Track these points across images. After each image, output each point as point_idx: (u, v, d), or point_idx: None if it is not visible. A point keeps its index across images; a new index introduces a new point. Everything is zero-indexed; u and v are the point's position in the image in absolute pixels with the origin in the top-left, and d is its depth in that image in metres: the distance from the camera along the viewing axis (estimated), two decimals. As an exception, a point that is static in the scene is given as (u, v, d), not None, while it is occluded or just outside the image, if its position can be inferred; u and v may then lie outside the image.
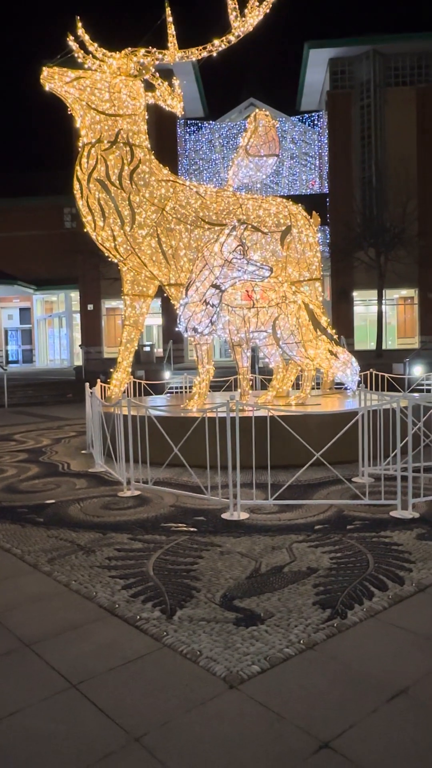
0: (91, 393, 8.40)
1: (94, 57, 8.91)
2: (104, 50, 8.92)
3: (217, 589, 3.79)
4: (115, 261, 9.60)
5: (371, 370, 10.27)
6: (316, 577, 3.92)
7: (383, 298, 26.14)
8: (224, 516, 5.35)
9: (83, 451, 8.86)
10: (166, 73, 10.64)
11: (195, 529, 5.03)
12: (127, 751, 2.35)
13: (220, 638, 3.17)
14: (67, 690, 2.78)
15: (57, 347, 35.01)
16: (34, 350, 35.39)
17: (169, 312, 25.08)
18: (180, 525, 5.17)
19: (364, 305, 29.40)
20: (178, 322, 8.11)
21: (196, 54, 8.95)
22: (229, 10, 8.68)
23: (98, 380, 9.41)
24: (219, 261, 7.48)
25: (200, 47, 8.91)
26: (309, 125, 30.72)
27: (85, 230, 9.25)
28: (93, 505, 5.89)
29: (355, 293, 28.64)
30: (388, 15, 55.91)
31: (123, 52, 8.94)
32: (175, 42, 8.90)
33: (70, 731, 2.49)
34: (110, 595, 3.75)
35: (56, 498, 6.20)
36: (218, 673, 2.85)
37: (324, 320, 8.84)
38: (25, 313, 35.60)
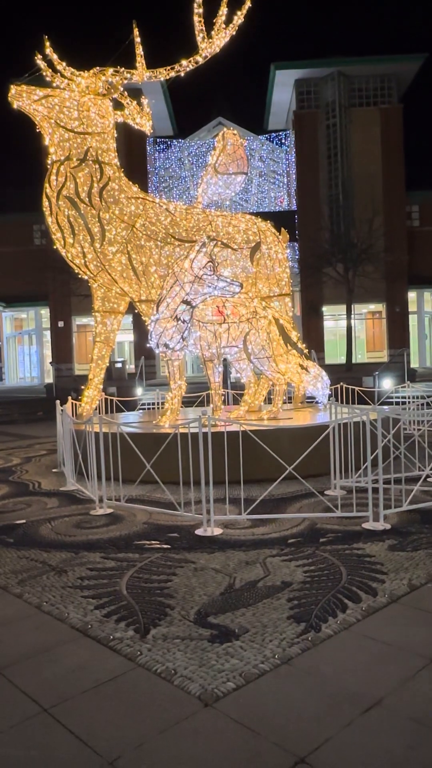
0: (62, 410, 8.31)
1: (62, 76, 8.95)
2: (72, 69, 8.96)
3: (192, 606, 3.76)
4: (86, 278, 9.57)
5: (341, 383, 10.39)
6: (290, 591, 3.93)
7: (352, 312, 26.55)
8: (198, 532, 5.33)
9: (54, 470, 8.74)
10: (135, 92, 10.75)
11: (168, 546, 4.99)
12: (101, 775, 2.31)
13: (195, 656, 3.14)
14: (39, 714, 2.72)
15: (27, 365, 34.58)
16: (3, 368, 34.89)
17: (140, 328, 25.03)
18: (153, 542, 5.13)
19: (333, 320, 29.83)
20: (149, 338, 8.10)
21: (164, 74, 9.06)
22: (197, 32, 8.82)
23: (69, 397, 9.32)
24: (189, 277, 7.52)
25: (168, 67, 9.02)
26: (276, 144, 31.28)
27: (55, 247, 9.21)
28: (65, 525, 5.80)
29: (324, 308, 29.05)
30: (352, 38, 57.54)
31: (91, 71, 8.99)
32: (144, 62, 8.99)
33: (42, 757, 2.43)
34: (83, 616, 3.69)
35: (27, 518, 6.09)
36: (193, 691, 2.82)
37: (294, 335, 8.94)
38: (-6, 331, 35.09)
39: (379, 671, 2.97)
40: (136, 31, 8.93)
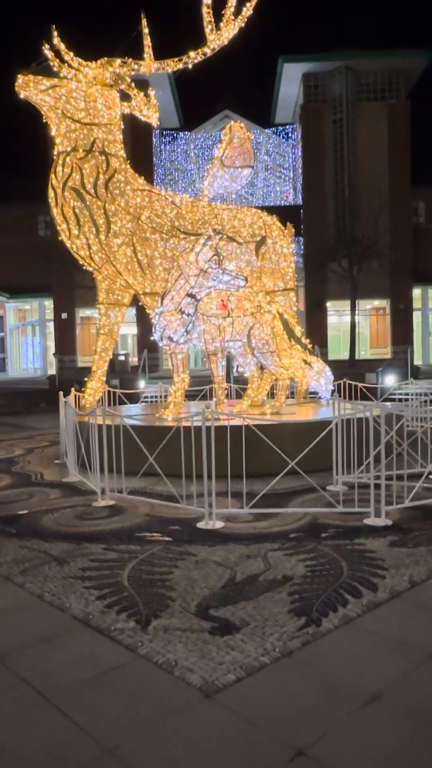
0: (65, 402, 8.32)
1: (69, 66, 8.91)
2: (80, 59, 8.92)
3: (193, 599, 3.77)
4: (90, 270, 9.56)
5: (344, 379, 10.38)
6: (291, 585, 3.94)
7: (356, 308, 26.47)
8: (199, 525, 5.34)
9: (57, 461, 8.76)
10: (142, 84, 10.68)
11: (170, 539, 5.00)
12: (101, 763, 2.33)
13: (196, 648, 3.16)
14: (40, 703, 2.74)
15: (30, 356, 34.63)
16: (6, 359, 34.93)
17: (144, 321, 25.01)
18: (155, 534, 5.14)
19: (337, 315, 29.74)
20: (153, 331, 8.10)
21: (171, 65, 9.01)
22: (205, 23, 8.77)
23: (72, 389, 9.33)
24: (194, 270, 7.51)
25: (176, 59, 8.97)
26: (283, 138, 31.12)
27: (60, 238, 9.20)
28: (67, 516, 5.82)
29: (328, 304, 28.97)
30: (360, 32, 57.06)
31: (99, 61, 8.96)
32: (151, 53, 8.95)
33: (42, 745, 2.45)
34: (84, 606, 3.71)
35: (29, 508, 6.11)
36: (193, 682, 2.84)
37: (298, 330, 8.92)
38: (-2, 322, 35.12)
39: (378, 665, 2.98)
40: (144, 22, 8.88)
